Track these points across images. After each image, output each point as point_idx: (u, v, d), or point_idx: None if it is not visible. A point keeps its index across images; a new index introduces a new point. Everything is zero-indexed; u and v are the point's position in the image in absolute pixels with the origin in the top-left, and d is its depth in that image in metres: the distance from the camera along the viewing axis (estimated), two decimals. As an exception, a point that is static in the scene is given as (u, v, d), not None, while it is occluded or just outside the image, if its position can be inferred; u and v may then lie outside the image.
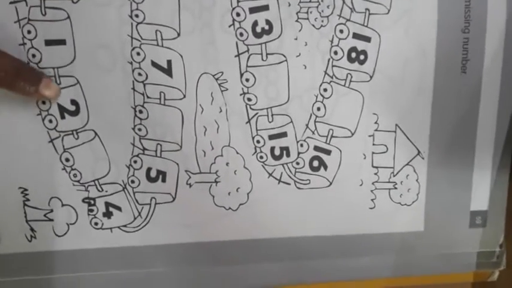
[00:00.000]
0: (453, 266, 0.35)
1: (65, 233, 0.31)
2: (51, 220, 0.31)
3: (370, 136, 0.32)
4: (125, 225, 0.31)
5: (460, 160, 0.33)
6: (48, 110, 0.29)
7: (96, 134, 0.30)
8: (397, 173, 0.33)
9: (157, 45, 0.29)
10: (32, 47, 0.28)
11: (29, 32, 0.28)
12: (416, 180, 0.33)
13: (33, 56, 0.28)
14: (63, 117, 0.29)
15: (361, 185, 0.33)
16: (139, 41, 0.29)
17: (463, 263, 0.35)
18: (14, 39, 0.28)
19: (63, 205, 0.31)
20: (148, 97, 0.29)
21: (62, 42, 0.28)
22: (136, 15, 0.28)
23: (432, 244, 0.34)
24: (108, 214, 0.31)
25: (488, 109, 0.33)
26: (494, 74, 0.32)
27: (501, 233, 0.35)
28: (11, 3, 0.27)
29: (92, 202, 0.31)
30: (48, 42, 0.28)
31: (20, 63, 0.28)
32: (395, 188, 0.33)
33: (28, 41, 0.28)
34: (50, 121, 0.29)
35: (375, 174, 0.33)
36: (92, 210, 0.31)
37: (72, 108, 0.29)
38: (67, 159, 0.30)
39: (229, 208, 0.32)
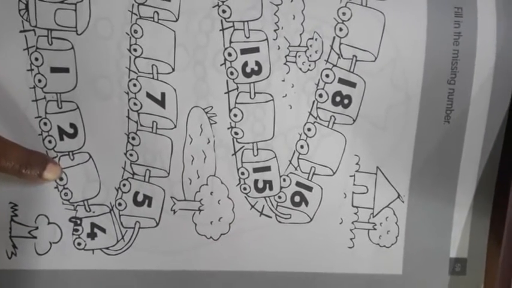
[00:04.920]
0: (431, 313, 0.35)
1: (46, 252, 0.32)
2: (35, 238, 0.32)
3: (351, 176, 0.33)
4: (107, 248, 0.32)
5: (440, 206, 0.34)
6: (48, 131, 0.31)
7: (90, 156, 0.32)
8: (377, 214, 0.34)
9: (153, 78, 0.31)
10: (38, 73, 0.30)
11: (36, 59, 0.30)
12: (396, 223, 0.34)
13: (39, 81, 0.30)
14: (62, 139, 0.31)
15: (341, 223, 0.33)
16: (136, 73, 0.31)
17: (441, 311, 0.35)
18: (22, 65, 0.30)
19: (49, 223, 0.32)
20: (141, 125, 0.31)
21: (65, 70, 0.30)
22: (135, 50, 0.30)
23: (410, 289, 0.34)
24: (92, 235, 0.32)
25: (471, 157, 0.33)
26: (478, 124, 0.33)
27: (481, 283, 0.35)
28: (21, 31, 0.30)
29: (79, 222, 0.32)
30: (53, 70, 0.30)
31: (28, 154, 0.30)
32: (375, 229, 0.34)
33: (35, 67, 0.30)
34: (50, 141, 0.31)
35: (355, 213, 0.33)
36: (77, 230, 0.32)
37: (71, 131, 0.31)
38: (61, 179, 0.31)
39: (211, 237, 0.33)
